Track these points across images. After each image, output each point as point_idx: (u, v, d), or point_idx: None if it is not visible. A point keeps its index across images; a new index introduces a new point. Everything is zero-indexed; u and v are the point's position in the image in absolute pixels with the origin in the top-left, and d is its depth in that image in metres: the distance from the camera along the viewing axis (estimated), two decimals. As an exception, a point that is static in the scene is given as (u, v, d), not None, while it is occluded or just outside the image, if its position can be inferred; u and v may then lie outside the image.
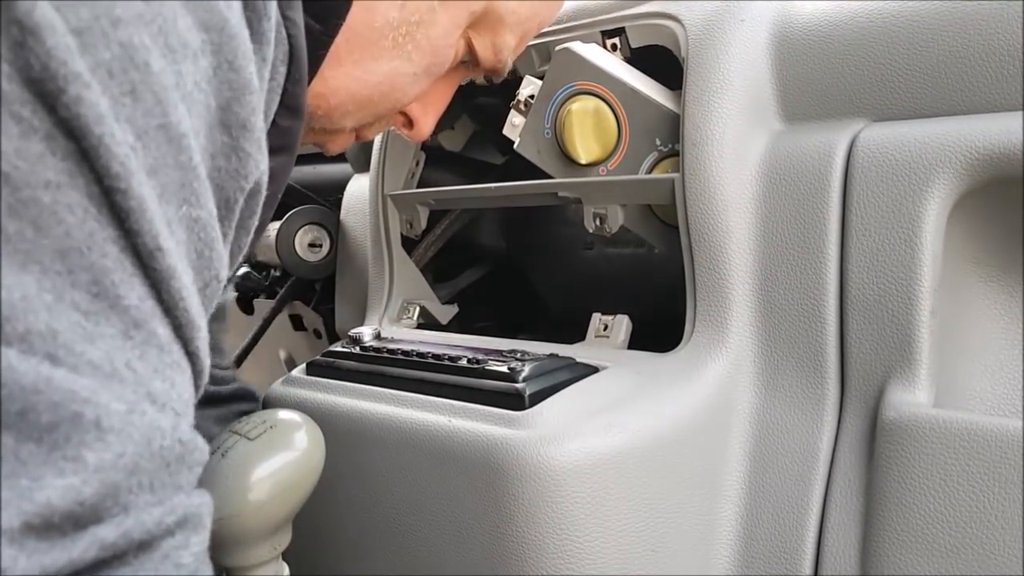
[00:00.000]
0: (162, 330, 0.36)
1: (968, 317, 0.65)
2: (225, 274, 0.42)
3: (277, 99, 0.46)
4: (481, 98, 0.97)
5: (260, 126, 0.41)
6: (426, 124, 0.65)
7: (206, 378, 0.41)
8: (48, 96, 0.32)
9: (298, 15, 0.45)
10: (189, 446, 0.36)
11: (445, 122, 1.00)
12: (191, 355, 0.38)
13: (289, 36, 0.45)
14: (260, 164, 0.42)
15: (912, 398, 0.60)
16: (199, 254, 0.39)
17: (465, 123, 1.02)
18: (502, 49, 0.60)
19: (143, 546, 0.34)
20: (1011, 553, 0.54)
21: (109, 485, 0.33)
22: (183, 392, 0.37)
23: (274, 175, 0.46)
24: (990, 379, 0.63)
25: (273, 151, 0.45)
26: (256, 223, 0.46)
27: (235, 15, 0.39)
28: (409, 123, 0.64)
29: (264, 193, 0.44)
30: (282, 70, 0.45)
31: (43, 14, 0.31)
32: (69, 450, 0.32)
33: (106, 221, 0.34)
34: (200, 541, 0.37)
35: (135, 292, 0.35)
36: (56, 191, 0.32)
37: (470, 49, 0.59)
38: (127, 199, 0.34)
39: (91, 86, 0.32)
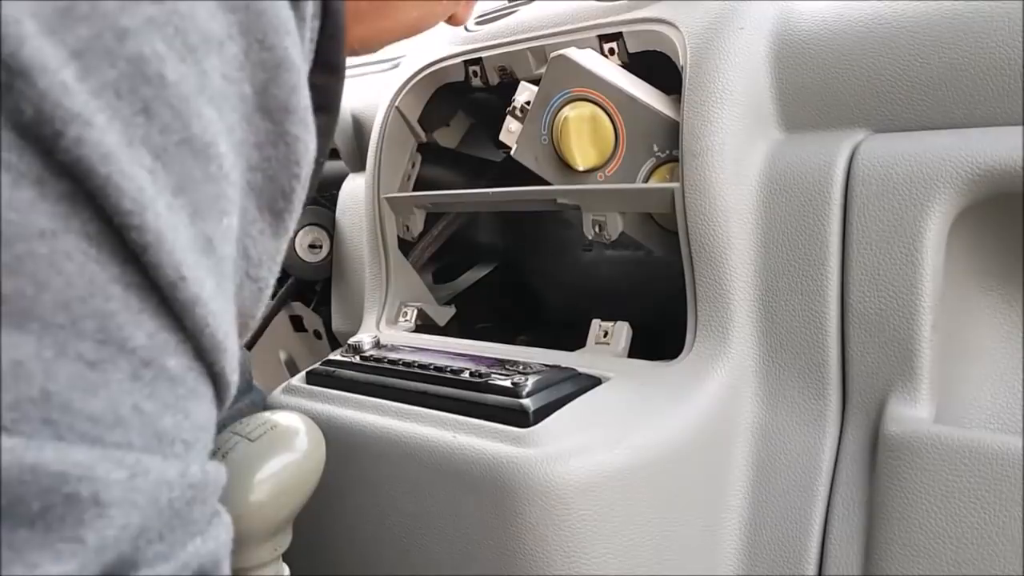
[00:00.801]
0: (174, 361, 0.34)
1: (969, 330, 0.65)
2: (267, 274, 0.39)
3: (311, 57, 0.42)
4: (477, 94, 0.96)
5: (304, 104, 0.37)
6: (467, 15, 0.61)
7: (232, 394, 0.38)
8: (43, 140, 0.29)
9: None
10: (200, 486, 0.35)
11: (440, 119, 0.99)
12: (215, 376, 0.36)
13: None
14: (310, 145, 0.38)
15: (913, 413, 0.61)
16: (234, 263, 0.36)
17: (461, 119, 1.02)
18: None
19: None
20: (1012, 571, 0.55)
21: (114, 559, 0.31)
22: (198, 418, 0.35)
23: (318, 133, 0.42)
24: (991, 391, 0.64)
25: (312, 112, 0.42)
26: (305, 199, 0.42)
27: None
28: (450, 17, 0.61)
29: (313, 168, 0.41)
30: (315, 24, 0.41)
31: (32, 51, 0.28)
32: (66, 531, 0.30)
33: (107, 260, 0.31)
34: None
35: (142, 330, 0.33)
36: (52, 240, 0.30)
37: None
38: (143, 234, 0.31)
39: (92, 123, 0.29)
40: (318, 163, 0.43)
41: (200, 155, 0.33)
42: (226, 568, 0.36)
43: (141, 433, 0.32)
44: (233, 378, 0.37)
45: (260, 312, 0.41)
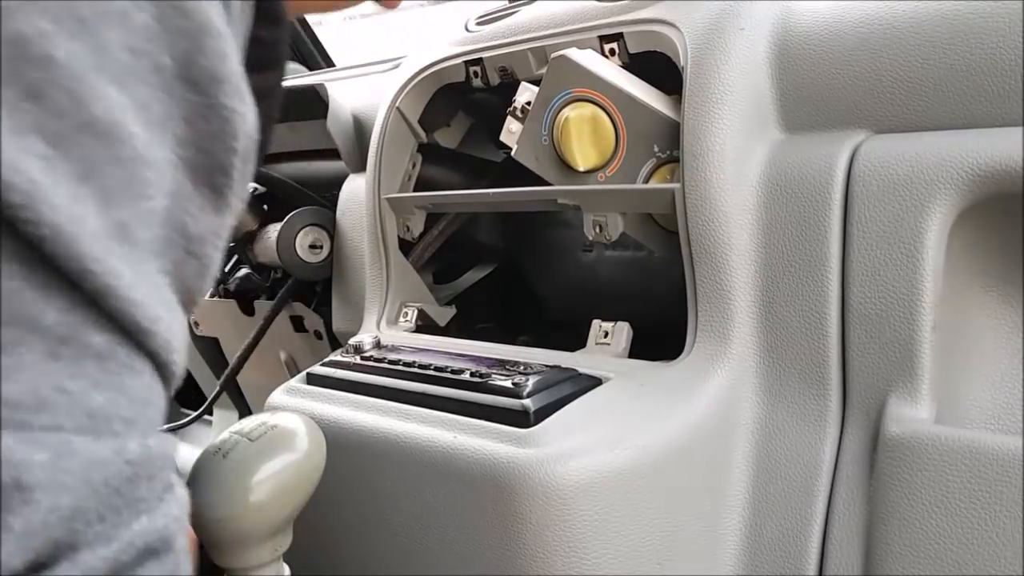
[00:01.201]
0: (98, 338, 0.32)
1: (969, 330, 0.65)
2: (211, 250, 0.37)
3: (251, 11, 0.40)
4: (477, 95, 0.97)
5: (236, 72, 0.35)
6: None
7: (177, 372, 0.36)
8: None
9: None
10: (140, 461, 0.33)
11: (441, 119, 0.99)
12: (150, 355, 0.34)
13: None
14: (247, 116, 0.36)
15: (914, 413, 0.61)
16: (168, 242, 0.34)
17: (461, 119, 1.02)
18: None
19: None
20: (1013, 571, 0.55)
21: (46, 542, 0.30)
22: (137, 393, 0.33)
23: (262, 94, 0.40)
24: (991, 392, 0.64)
25: (260, 68, 0.40)
26: (252, 171, 0.40)
27: None
28: None
29: (256, 138, 0.38)
30: None
31: None
32: None
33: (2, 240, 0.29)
34: (172, 560, 0.33)
35: (52, 306, 0.30)
36: None
37: None
38: (38, 228, 0.29)
39: None
40: (264, 130, 0.40)
41: (105, 137, 0.31)
42: (180, 543, 0.34)
43: (70, 414, 0.31)
44: (173, 357, 0.35)
45: (207, 287, 0.39)
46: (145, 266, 0.33)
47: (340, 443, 0.71)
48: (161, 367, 0.35)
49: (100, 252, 0.31)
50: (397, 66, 1.09)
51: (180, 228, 0.35)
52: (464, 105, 1.00)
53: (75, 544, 0.30)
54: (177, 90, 0.33)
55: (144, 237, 0.33)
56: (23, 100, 0.29)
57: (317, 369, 0.82)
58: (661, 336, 0.76)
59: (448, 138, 1.01)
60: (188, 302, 0.37)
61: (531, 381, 0.67)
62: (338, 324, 1.04)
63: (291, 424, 0.65)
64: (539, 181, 0.81)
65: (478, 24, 0.93)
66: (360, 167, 1.04)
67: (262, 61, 0.41)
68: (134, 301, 0.32)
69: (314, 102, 1.05)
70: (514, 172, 0.83)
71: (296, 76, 1.51)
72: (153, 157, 0.33)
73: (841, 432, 0.65)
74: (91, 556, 0.31)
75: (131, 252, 0.32)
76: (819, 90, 0.69)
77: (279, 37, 0.43)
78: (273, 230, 1.07)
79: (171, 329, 0.34)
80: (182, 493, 0.35)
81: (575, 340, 0.79)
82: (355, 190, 1.04)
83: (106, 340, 0.32)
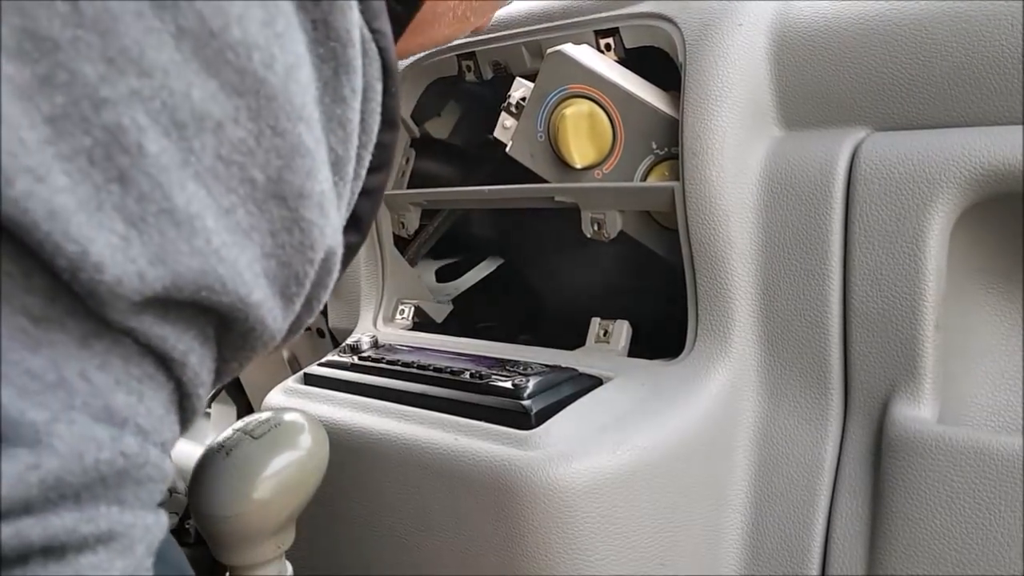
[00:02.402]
0: (129, 340, 0.34)
1: (972, 329, 0.65)
2: (261, 349, 0.39)
3: (378, 118, 0.42)
4: (467, 85, 0.96)
5: (320, 189, 0.37)
6: (487, 24, 0.63)
7: (197, 409, 0.38)
8: None
9: (384, 23, 0.41)
10: (136, 460, 0.33)
11: (431, 110, 0.98)
12: (177, 381, 0.36)
13: (380, 50, 0.40)
14: (325, 230, 0.38)
15: (917, 413, 0.61)
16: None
17: (452, 109, 1.01)
18: None
19: (47, 552, 0.31)
20: (1016, 571, 0.55)
21: (16, 502, 0.30)
22: (156, 408, 0.35)
23: (372, 191, 0.44)
24: (994, 391, 0.64)
25: (372, 170, 0.43)
26: (334, 278, 0.42)
27: (280, 67, 0.34)
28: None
29: (340, 252, 0.41)
30: (378, 87, 0.41)
31: (3, 112, 0.29)
32: None
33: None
34: (128, 567, 0.33)
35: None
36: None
37: None
38: (81, 284, 0.31)
39: (46, 180, 0.30)
40: (366, 223, 0.44)
41: (184, 227, 0.33)
42: (141, 555, 0.34)
43: (88, 403, 0.32)
44: (199, 391, 0.37)
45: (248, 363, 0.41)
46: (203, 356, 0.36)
47: (340, 444, 0.70)
48: (184, 398, 0.36)
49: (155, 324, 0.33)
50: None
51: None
52: (455, 95, 0.99)
53: (38, 512, 0.31)
54: (267, 205, 0.35)
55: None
56: (111, 182, 0.31)
57: (314, 369, 0.81)
58: (659, 333, 0.76)
59: (439, 128, 1.00)
60: (226, 370, 0.40)
61: (532, 382, 0.66)
62: (334, 321, 1.03)
63: (294, 422, 0.65)
64: (535, 175, 0.81)
65: (471, 17, 0.92)
66: (353, 162, 1.03)
67: (376, 162, 0.43)
68: (185, 380, 0.35)
69: None
70: (509, 165, 0.83)
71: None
72: (231, 258, 0.34)
73: (843, 431, 0.65)
74: (51, 517, 0.31)
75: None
76: (819, 87, 0.68)
77: (393, 140, 0.45)
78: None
79: (202, 364, 0.37)
80: (164, 521, 0.36)
81: (574, 337, 0.79)
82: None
83: (138, 347, 0.34)
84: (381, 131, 0.43)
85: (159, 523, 0.35)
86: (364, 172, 0.43)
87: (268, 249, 0.36)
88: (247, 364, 0.41)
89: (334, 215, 0.39)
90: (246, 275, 0.35)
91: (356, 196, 0.43)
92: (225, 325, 0.37)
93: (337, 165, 0.39)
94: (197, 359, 0.36)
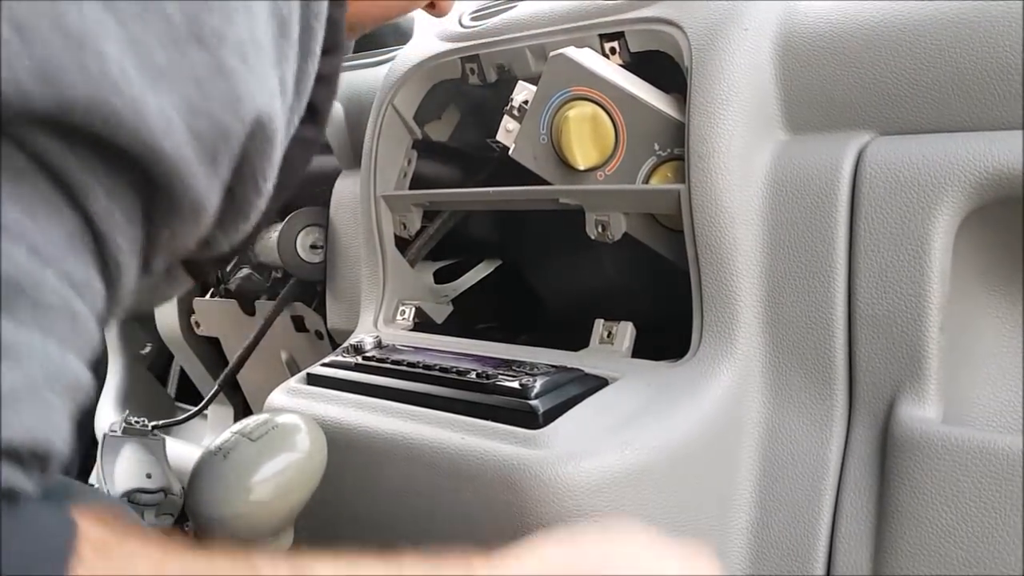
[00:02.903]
0: (25, 156, 0.34)
1: (976, 331, 0.66)
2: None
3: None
4: (468, 88, 0.96)
5: (238, 34, 0.37)
6: (449, 6, 0.64)
7: (122, 265, 0.38)
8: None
9: None
10: (29, 278, 0.33)
11: (431, 112, 0.98)
12: (84, 215, 0.36)
13: None
14: (251, 83, 0.38)
15: (922, 414, 0.61)
16: None
17: (452, 112, 1.01)
18: None
19: None
20: (1021, 570, 0.56)
21: None
22: (53, 235, 0.35)
23: (326, 77, 0.44)
24: (998, 392, 0.65)
25: (326, 52, 0.43)
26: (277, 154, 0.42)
27: None
28: (431, 5, 0.63)
29: (280, 125, 0.40)
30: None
31: None
32: None
33: None
34: (16, 381, 0.33)
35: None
36: None
37: None
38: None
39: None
40: (322, 113, 0.45)
41: (72, 42, 0.34)
42: (33, 376, 0.34)
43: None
44: (116, 241, 0.37)
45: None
46: None
47: (344, 444, 0.70)
48: (100, 242, 0.37)
49: None
50: (383, 60, 1.08)
51: None
52: (455, 97, 0.99)
53: None
54: (185, 46, 0.35)
55: None
56: None
57: (317, 369, 0.81)
58: (662, 334, 0.76)
59: (438, 131, 1.00)
60: (158, 236, 0.40)
61: (539, 382, 0.67)
62: (333, 322, 1.03)
63: (292, 423, 0.65)
64: (537, 177, 0.81)
65: (473, 20, 0.93)
66: (353, 163, 1.03)
67: (329, 42, 0.43)
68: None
69: None
70: (511, 166, 0.83)
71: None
72: (133, 94, 0.34)
73: (847, 432, 0.66)
74: None
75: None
76: (824, 91, 0.69)
77: (341, 17, 0.45)
78: (274, 230, 1.06)
79: (115, 208, 0.36)
80: (74, 365, 0.36)
81: (577, 339, 0.79)
82: (349, 188, 1.03)
83: (37, 167, 0.34)
84: (331, 6, 0.43)
85: (65, 360, 0.35)
86: (317, 49, 0.43)
87: (194, 101, 0.36)
88: (184, 239, 0.40)
89: (263, 71, 0.38)
90: (154, 119, 0.35)
91: (312, 80, 0.43)
92: (146, 178, 0.36)
93: (280, 21, 0.39)
94: (105, 196, 0.36)
